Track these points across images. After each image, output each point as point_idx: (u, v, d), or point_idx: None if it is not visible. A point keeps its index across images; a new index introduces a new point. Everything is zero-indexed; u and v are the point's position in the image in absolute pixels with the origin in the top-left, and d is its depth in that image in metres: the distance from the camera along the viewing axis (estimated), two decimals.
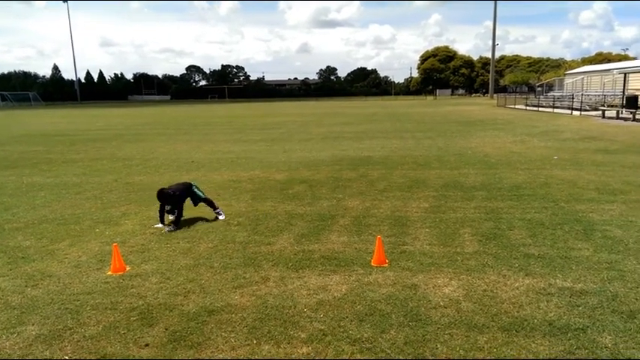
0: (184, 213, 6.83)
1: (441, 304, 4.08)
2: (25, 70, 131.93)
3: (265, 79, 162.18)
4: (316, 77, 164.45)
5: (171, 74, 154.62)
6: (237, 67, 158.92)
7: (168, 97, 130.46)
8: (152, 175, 11.01)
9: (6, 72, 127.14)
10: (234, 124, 30.37)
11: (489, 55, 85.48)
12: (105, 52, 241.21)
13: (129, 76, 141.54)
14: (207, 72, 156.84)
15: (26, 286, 4.66)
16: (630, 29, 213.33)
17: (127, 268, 5.04)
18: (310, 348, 3.43)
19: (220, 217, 7.07)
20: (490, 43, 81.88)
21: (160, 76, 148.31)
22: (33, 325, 3.85)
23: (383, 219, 6.88)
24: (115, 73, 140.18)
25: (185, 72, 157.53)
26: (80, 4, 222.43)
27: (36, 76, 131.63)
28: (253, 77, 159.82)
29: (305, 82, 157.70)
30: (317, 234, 6.21)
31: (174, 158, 13.97)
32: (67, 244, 5.97)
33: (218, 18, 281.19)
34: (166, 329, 3.72)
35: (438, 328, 3.66)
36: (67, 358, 3.36)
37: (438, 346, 3.41)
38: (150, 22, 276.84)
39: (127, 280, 4.75)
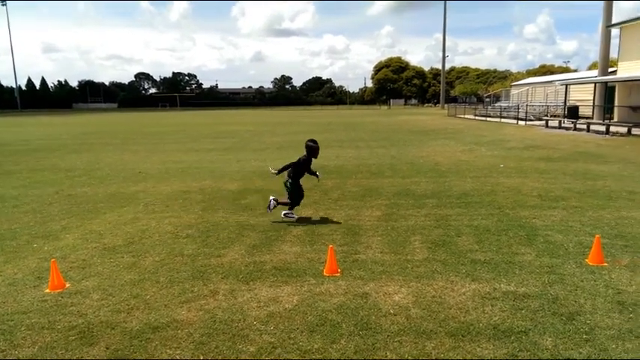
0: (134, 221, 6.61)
1: (391, 311, 4.14)
2: None
3: (219, 87, 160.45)
4: (271, 86, 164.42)
5: (119, 81, 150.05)
6: (189, 74, 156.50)
7: (115, 106, 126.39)
8: (96, 187, 10.61)
9: None
10: (186, 133, 29.81)
11: (440, 67, 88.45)
12: (48, 58, 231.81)
13: (74, 83, 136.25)
14: (158, 79, 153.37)
15: None
16: (571, 43, 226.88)
17: (67, 285, 4.81)
18: None
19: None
20: (440, 54, 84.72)
21: (107, 84, 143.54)
22: None
23: (336, 228, 6.93)
24: (58, 80, 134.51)
25: (134, 79, 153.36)
26: (20, 6, 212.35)
27: None
28: (206, 85, 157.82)
29: (260, 91, 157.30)
30: (269, 245, 6.17)
31: (121, 169, 13.53)
32: (1, 260, 5.63)
33: (168, 24, 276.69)
34: (107, 348, 3.57)
35: (388, 335, 3.71)
36: None
37: (388, 353, 3.46)
38: (96, 27, 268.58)
39: (67, 297, 4.53)
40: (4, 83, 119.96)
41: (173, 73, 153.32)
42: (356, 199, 8.93)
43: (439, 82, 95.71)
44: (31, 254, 5.88)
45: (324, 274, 5.08)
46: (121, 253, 5.88)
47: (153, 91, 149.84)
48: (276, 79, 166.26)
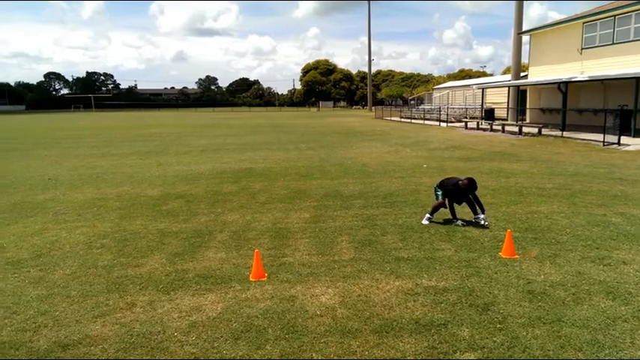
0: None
1: (318, 313, 4.19)
2: None
3: (138, 87, 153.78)
4: (195, 87, 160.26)
5: (26, 82, 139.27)
6: (105, 74, 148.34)
7: (23, 108, 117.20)
8: (1, 195, 9.78)
9: None
10: (102, 136, 28.29)
11: (367, 70, 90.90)
12: None
13: None
14: (70, 80, 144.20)
15: None
16: (487, 48, 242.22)
17: None
18: None
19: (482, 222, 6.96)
20: (367, 58, 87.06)
21: (12, 84, 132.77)
22: None
23: (263, 232, 6.89)
24: None
25: (43, 79, 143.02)
26: None
27: None
28: (124, 86, 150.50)
29: (183, 92, 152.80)
30: (192, 252, 6.01)
31: (28, 176, 12.57)
32: None
33: (80, 21, 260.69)
34: None
35: (314, 337, 3.75)
36: None
37: (313, 355, 3.49)
38: None
39: None
40: None
41: (87, 72, 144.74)
42: (284, 201, 8.94)
43: (366, 85, 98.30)
44: None
45: (251, 279, 5.03)
46: (27, 267, 5.46)
47: (65, 91, 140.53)
48: (200, 79, 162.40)
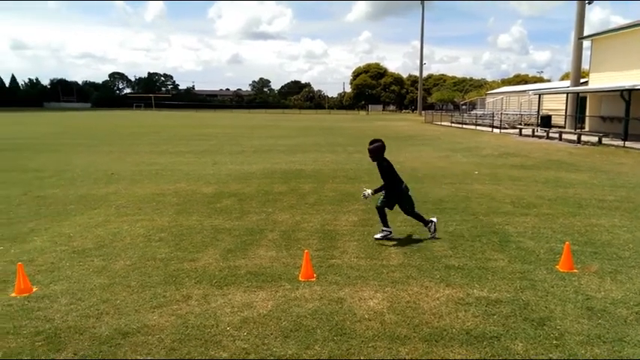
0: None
1: (366, 316, 4.16)
2: None
3: (195, 88, 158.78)
4: (249, 89, 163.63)
5: (92, 81, 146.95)
6: (165, 75, 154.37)
7: (89, 105, 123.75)
8: (66, 188, 10.36)
9: None
10: (161, 134, 29.41)
11: (417, 74, 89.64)
12: (17, 56, 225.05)
13: (45, 81, 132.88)
14: (133, 80, 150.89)
15: None
16: (544, 53, 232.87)
17: (34, 289, 4.68)
18: None
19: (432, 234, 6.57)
20: (418, 62, 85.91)
21: (80, 83, 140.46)
22: None
23: (312, 233, 6.93)
24: (29, 79, 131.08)
25: (108, 79, 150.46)
26: None
27: None
28: (182, 86, 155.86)
29: (237, 94, 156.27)
30: (244, 249, 6.12)
31: (93, 170, 13.25)
32: None
33: (143, 24, 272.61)
34: (75, 354, 3.48)
35: (362, 341, 3.72)
36: None
37: (362, 359, 3.47)
38: (68, 24, 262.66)
39: (33, 301, 4.40)
40: None
41: (149, 73, 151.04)
42: (333, 203, 8.95)
43: (417, 89, 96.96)
44: None
45: (300, 279, 5.07)
46: (91, 257, 5.75)
47: (128, 91, 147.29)
48: (254, 81, 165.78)
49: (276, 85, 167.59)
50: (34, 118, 55.46)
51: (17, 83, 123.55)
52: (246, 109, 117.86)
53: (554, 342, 3.71)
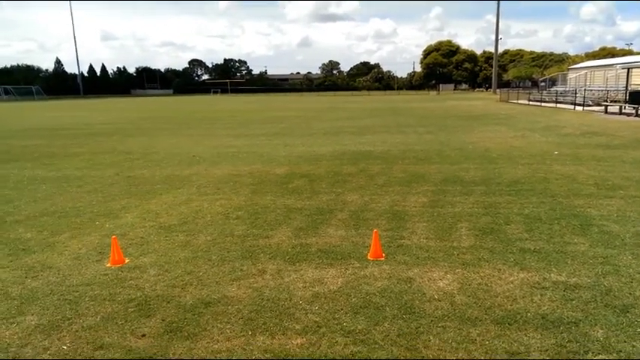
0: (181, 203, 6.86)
1: (435, 297, 4.11)
2: (27, 64, 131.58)
3: (268, 73, 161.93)
4: (319, 71, 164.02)
5: (173, 68, 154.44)
6: (240, 61, 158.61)
7: (170, 91, 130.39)
8: (153, 169, 11.06)
9: (8, 65, 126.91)
10: (236, 118, 30.40)
11: (492, 50, 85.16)
12: (106, 46, 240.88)
13: (131, 70, 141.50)
14: (210, 66, 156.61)
15: (26, 277, 4.72)
16: (633, 24, 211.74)
17: (126, 261, 5.09)
18: (304, 339, 3.47)
19: None
20: (492, 37, 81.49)
21: (162, 70, 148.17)
22: (32, 315, 3.91)
23: (381, 213, 6.91)
24: (117, 67, 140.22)
25: (187, 66, 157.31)
26: None
27: (39, 70, 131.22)
28: (255, 71, 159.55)
29: (307, 77, 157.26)
30: (315, 228, 6.24)
31: (176, 152, 14.02)
32: (67, 236, 6.03)
33: (217, 12, 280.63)
34: (163, 320, 3.77)
35: (432, 320, 3.70)
36: (65, 347, 3.41)
37: (431, 338, 3.45)
38: (150, 15, 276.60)
39: (126, 272, 4.80)
40: (68, 70, 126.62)
41: (224, 59, 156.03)
42: (402, 184, 8.84)
43: (491, 66, 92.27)
44: (94, 231, 6.25)
45: (369, 258, 5.09)
46: (176, 232, 6.13)
47: (205, 77, 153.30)
48: (323, 64, 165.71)
49: (345, 67, 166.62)
50: (122, 104, 59.41)
51: (107, 72, 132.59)
52: (316, 91, 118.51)
53: (639, 330, 3.47)
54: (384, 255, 5.15)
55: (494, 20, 79.98)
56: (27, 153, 14.33)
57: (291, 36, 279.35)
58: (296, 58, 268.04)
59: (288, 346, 3.39)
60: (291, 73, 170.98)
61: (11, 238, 5.98)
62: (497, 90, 69.80)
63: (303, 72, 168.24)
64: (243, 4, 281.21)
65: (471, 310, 3.84)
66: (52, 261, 5.15)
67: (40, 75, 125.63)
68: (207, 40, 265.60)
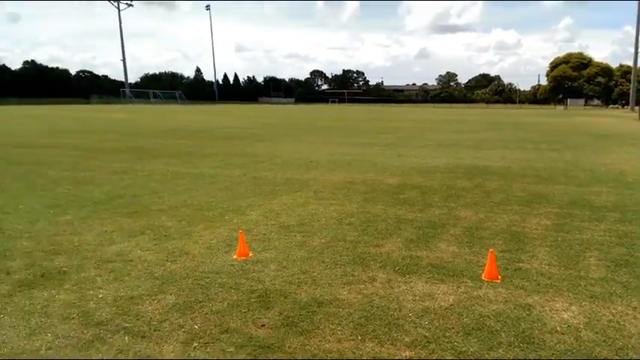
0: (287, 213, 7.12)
1: (558, 329, 3.75)
2: (172, 71, 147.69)
3: (384, 84, 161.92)
4: (435, 83, 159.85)
5: (297, 78, 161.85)
6: (357, 72, 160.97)
7: (292, 100, 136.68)
8: (275, 172, 11.66)
9: (157, 72, 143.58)
10: (352, 127, 30.85)
11: (631, 63, 75.68)
12: (239, 57, 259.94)
13: (260, 79, 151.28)
14: (329, 76, 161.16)
15: (167, 260, 5.26)
16: None
17: (250, 254, 5.43)
18: (413, 353, 3.39)
19: None
20: (630, 50, 72.37)
21: (287, 80, 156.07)
22: (170, 294, 4.35)
23: (497, 232, 6.50)
24: (247, 76, 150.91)
25: (309, 76, 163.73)
26: (220, 10, 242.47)
27: (182, 77, 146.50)
28: (372, 82, 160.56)
29: (423, 89, 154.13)
30: (426, 241, 6.08)
31: (296, 157, 14.63)
32: (201, 227, 6.61)
33: (339, 24, 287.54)
34: (280, 314, 3.94)
35: (553, 354, 3.38)
36: (196, 327, 3.73)
37: None
38: (279, 28, 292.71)
39: (250, 265, 5.12)
40: (206, 78, 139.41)
41: (343, 70, 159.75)
42: (521, 204, 8.23)
43: (629, 81, 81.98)
44: (224, 225, 6.76)
45: (483, 278, 4.82)
46: (294, 232, 6.39)
47: (325, 87, 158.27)
48: (440, 75, 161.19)
49: (462, 79, 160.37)
50: (251, 110, 63.69)
51: (239, 80, 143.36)
52: (431, 103, 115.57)
53: None
54: (499, 277, 4.83)
55: (634, 32, 71.06)
56: (170, 151, 16.01)
57: (409, 47, 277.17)
58: (413, 69, 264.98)
59: (397, 358, 3.33)
60: (407, 85, 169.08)
61: (156, 225, 6.71)
62: (636, 107, 61.76)
63: (419, 83, 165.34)
64: (365, 15, 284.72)
65: (599, 349, 3.43)
66: (188, 248, 5.68)
67: (183, 81, 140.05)
68: (329, 52, 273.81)
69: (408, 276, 4.88)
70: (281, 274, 4.84)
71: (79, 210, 7.52)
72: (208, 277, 4.74)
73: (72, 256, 5.38)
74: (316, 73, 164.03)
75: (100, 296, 4.30)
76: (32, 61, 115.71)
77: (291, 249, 5.69)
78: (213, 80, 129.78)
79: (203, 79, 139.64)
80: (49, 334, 3.63)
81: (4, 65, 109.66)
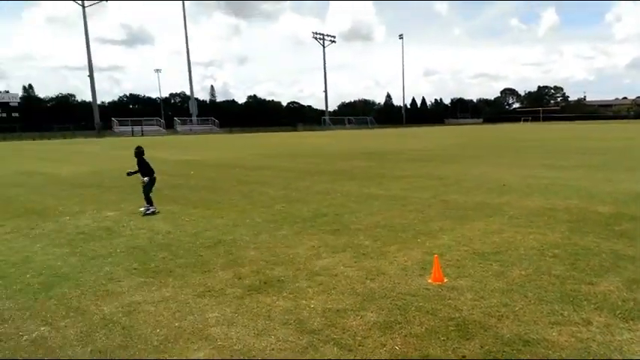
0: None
1: None
2: (365, 99, 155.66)
3: (586, 99, 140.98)
4: None
5: (485, 98, 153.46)
6: (555, 87, 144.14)
7: (480, 120, 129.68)
8: (465, 195, 11.17)
9: (352, 100, 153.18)
10: (548, 147, 27.62)
11: None
12: (426, 81, 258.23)
13: (446, 101, 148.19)
14: (522, 94, 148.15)
15: (366, 278, 5.49)
16: None
17: (445, 280, 5.28)
18: None
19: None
20: None
21: (474, 100, 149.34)
22: (372, 312, 4.50)
23: None
24: (434, 99, 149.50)
25: (499, 95, 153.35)
26: (410, 37, 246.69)
27: (373, 103, 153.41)
28: (572, 98, 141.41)
29: (636, 102, 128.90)
30: None
31: (486, 180, 13.77)
32: (395, 248, 6.72)
33: (535, 39, 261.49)
34: (482, 347, 3.72)
35: None
36: (397, 348, 3.77)
37: None
38: (468, 48, 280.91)
39: (445, 291, 4.98)
40: (395, 103, 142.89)
41: (538, 87, 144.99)
42: None
43: None
44: (416, 247, 6.75)
45: None
46: (489, 261, 5.99)
47: (516, 105, 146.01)
48: None
49: None
50: (437, 132, 62.59)
51: (425, 103, 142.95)
52: None
53: None
54: None
55: None
56: (363, 173, 16.77)
57: (618, 57, 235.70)
58: (623, 81, 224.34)
59: None
60: (616, 99, 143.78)
61: (355, 243, 7.08)
62: None
63: (632, 96, 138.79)
64: (564, 26, 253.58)
65: None
66: (384, 268, 5.83)
67: (374, 107, 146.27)
68: (521, 69, 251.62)
69: (632, 322, 4.09)
70: (479, 304, 4.57)
71: (291, 226, 8.44)
72: (405, 299, 4.77)
73: (288, 267, 6.05)
74: (507, 92, 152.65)
75: (312, 306, 4.71)
76: (254, 95, 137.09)
77: (488, 278, 5.33)
78: (402, 105, 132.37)
79: (392, 104, 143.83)
80: (272, 337, 4.10)
81: (233, 100, 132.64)
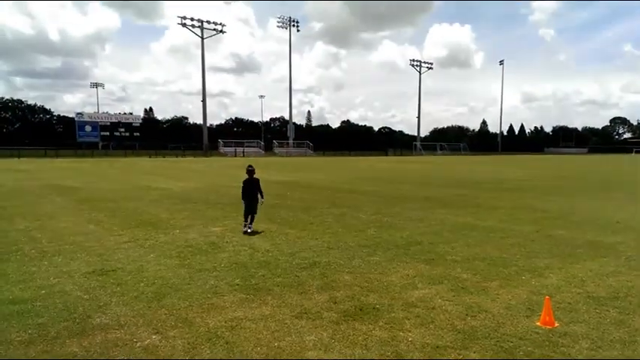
0: None
1: None
2: (459, 125, 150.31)
3: None
4: None
5: (591, 126, 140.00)
6: None
7: (585, 150, 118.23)
8: (573, 231, 10.14)
9: (445, 126, 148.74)
10: None
11: None
12: (526, 107, 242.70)
13: (548, 129, 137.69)
14: (634, 124, 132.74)
15: (467, 314, 5.16)
16: None
17: (556, 324, 4.79)
18: None
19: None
20: None
21: (579, 129, 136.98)
22: (474, 352, 4.20)
23: None
24: (535, 127, 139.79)
25: (608, 124, 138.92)
26: (510, 64, 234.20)
27: (467, 130, 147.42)
28: None
29: None
30: None
31: (596, 216, 12.42)
32: (496, 284, 6.26)
33: None
34: None
35: None
36: None
37: None
38: (575, 74, 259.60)
39: (557, 337, 4.51)
40: (490, 130, 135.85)
41: None
42: None
43: None
44: (521, 285, 6.23)
45: None
46: (606, 306, 5.34)
47: (627, 135, 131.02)
48: None
49: None
50: (536, 161, 58.18)
51: (524, 131, 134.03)
52: None
53: None
54: None
55: None
56: (457, 201, 16.02)
57: None
58: None
59: None
60: None
61: (452, 275, 6.73)
62: None
63: None
64: None
65: None
66: (486, 305, 5.44)
67: (468, 134, 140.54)
68: (634, 97, 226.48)
69: None
70: (595, 355, 4.07)
71: (384, 252, 8.29)
72: (511, 342, 4.40)
73: (382, 294, 5.91)
74: (617, 121, 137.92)
75: (410, 339, 4.52)
76: (347, 120, 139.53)
77: (606, 326, 4.74)
78: (498, 132, 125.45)
79: (487, 131, 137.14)
80: None
81: (327, 124, 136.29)
